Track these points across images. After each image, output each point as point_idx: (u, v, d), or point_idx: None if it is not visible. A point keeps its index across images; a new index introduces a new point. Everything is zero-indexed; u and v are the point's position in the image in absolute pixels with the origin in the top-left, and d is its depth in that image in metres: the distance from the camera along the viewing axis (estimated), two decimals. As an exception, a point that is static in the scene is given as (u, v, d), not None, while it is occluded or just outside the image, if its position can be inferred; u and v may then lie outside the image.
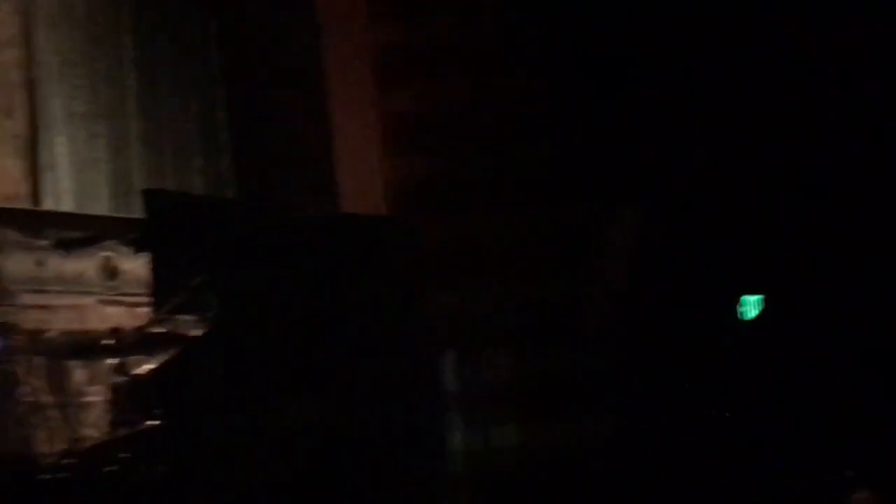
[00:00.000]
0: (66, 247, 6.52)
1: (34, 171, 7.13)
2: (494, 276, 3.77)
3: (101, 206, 7.21)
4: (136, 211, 6.37)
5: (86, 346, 5.70)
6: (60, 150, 7.17)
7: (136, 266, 7.09)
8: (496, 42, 7.29)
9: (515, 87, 7.32)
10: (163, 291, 5.38)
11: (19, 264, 6.71)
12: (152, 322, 4.72)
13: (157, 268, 5.52)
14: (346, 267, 6.25)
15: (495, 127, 7.01)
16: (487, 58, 7.27)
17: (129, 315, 6.86)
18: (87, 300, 6.85)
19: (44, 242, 6.73)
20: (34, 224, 6.78)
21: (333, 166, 7.31)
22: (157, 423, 4.56)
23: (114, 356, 4.64)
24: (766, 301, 6.34)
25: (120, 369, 4.66)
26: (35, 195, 7.12)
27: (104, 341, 4.51)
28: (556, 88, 7.33)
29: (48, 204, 7.07)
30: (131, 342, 4.60)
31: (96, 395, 6.33)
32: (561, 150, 7.20)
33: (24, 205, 7.04)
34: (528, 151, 7.07)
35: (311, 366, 6.00)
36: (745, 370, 4.87)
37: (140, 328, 4.76)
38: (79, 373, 6.48)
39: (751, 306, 6.88)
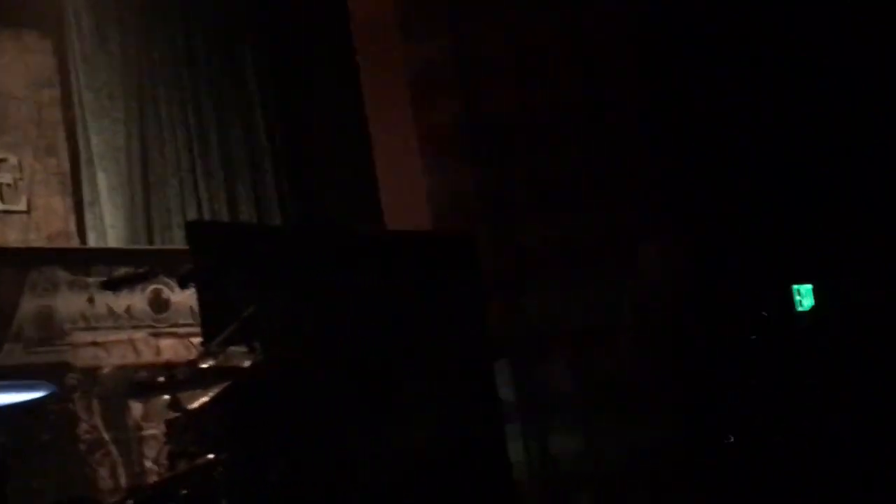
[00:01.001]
0: (116, 284, 6.52)
1: (78, 208, 7.14)
2: (550, 282, 3.70)
3: (145, 240, 7.21)
4: (182, 243, 6.36)
5: (140, 382, 5.68)
6: (102, 185, 7.17)
7: (185, 298, 7.08)
8: (534, 52, 7.21)
9: (556, 96, 7.24)
10: (212, 323, 5.33)
11: (70, 303, 6.72)
12: (204, 355, 4.66)
13: (206, 299, 5.47)
14: (402, 285, 6.19)
15: (534, 138, 6.94)
16: (524, 68, 7.20)
17: (182, 347, 6.84)
18: (139, 335, 6.85)
19: (93, 280, 6.73)
20: (82, 262, 6.79)
21: (376, 184, 7.26)
22: (216, 457, 4.49)
23: (167, 390, 4.57)
24: (819, 291, 6.22)
25: (174, 403, 4.60)
26: (80, 232, 7.13)
27: (158, 376, 4.45)
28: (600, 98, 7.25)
29: (93, 240, 7.07)
30: (183, 376, 4.53)
31: (153, 430, 6.32)
32: (603, 159, 7.12)
33: (71, 242, 7.06)
34: (568, 162, 6.99)
35: (376, 392, 5.94)
36: (806, 363, 4.74)
37: (192, 361, 4.70)
38: (135, 408, 6.48)
39: (804, 296, 6.76)
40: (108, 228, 7.12)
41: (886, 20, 7.09)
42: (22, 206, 7.11)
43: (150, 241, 7.22)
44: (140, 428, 6.53)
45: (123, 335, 6.83)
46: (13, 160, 7.10)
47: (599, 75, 7.17)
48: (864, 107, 7.05)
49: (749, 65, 7.15)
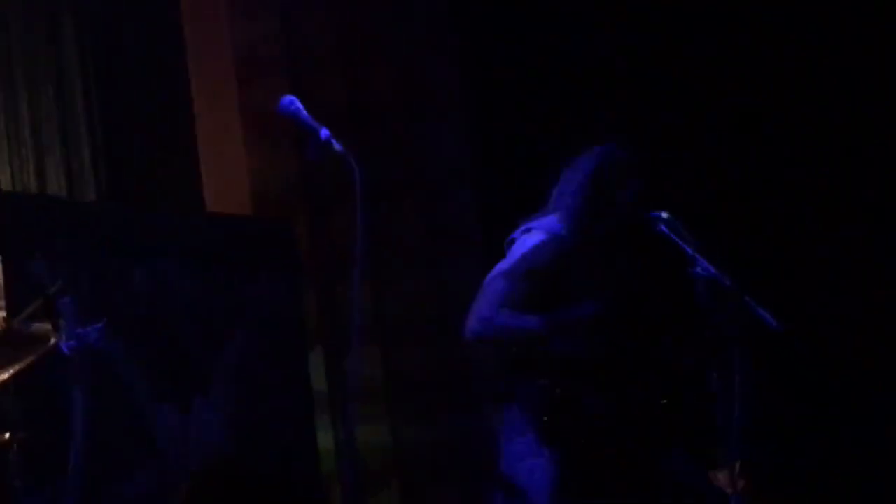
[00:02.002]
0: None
1: None
2: (367, 273, 3.68)
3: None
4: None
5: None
6: None
7: (-10, 271, 6.80)
8: (360, 35, 7.15)
9: (381, 80, 7.20)
10: (16, 298, 5.13)
11: None
12: (6, 331, 4.48)
13: (10, 273, 5.27)
14: (216, 268, 6.07)
15: (359, 122, 6.87)
16: (350, 51, 7.13)
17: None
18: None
19: None
20: None
21: (197, 163, 7.09)
22: (11, 436, 4.33)
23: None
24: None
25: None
26: None
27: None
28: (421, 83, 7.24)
29: None
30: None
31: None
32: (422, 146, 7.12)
33: None
34: (389, 149, 6.95)
35: (184, 376, 5.82)
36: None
37: (-6, 336, 4.51)
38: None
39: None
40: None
41: None
42: None
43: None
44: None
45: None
46: None
47: (420, 61, 7.17)
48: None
49: (573, 52, 7.22)
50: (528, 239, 4.35)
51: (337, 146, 3.68)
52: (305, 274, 6.50)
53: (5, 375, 4.41)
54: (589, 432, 4.19)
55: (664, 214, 4.63)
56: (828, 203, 7.49)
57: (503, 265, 4.29)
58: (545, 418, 4.18)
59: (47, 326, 4.37)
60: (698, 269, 4.56)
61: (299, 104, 3.78)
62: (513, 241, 4.38)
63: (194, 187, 7.07)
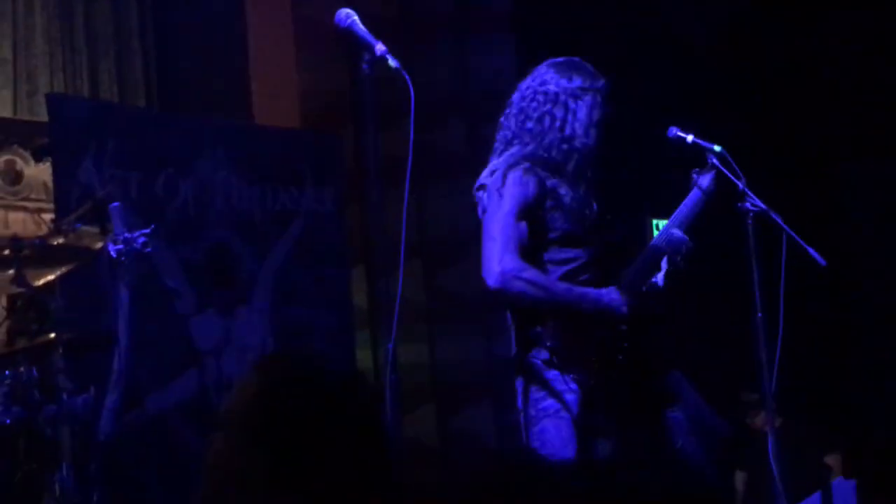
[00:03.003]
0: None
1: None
2: (411, 193, 3.62)
3: (4, 109, 6.90)
4: (43, 114, 6.08)
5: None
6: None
7: (39, 172, 6.79)
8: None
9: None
10: (66, 200, 5.12)
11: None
12: (54, 232, 4.44)
13: (61, 175, 5.25)
14: (263, 180, 6.05)
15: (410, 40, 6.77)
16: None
17: (32, 223, 6.57)
18: (-11, 205, 6.57)
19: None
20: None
21: (248, 77, 7.03)
22: (56, 336, 4.32)
23: (12, 265, 4.35)
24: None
25: (18, 279, 4.38)
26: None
27: (3, 249, 4.22)
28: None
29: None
30: (30, 251, 4.31)
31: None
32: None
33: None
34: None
35: (232, 280, 5.83)
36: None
37: (41, 237, 4.47)
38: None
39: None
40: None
41: None
42: None
43: (14, 112, 6.90)
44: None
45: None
46: None
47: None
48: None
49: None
50: (506, 178, 4.06)
51: (393, 61, 3.59)
52: (351, 189, 6.46)
53: (51, 276, 4.39)
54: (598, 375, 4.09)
55: (717, 147, 4.54)
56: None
57: (495, 207, 4.07)
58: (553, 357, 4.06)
59: (95, 229, 4.34)
60: (748, 204, 4.48)
61: (355, 17, 3.69)
62: (483, 187, 4.16)
63: (244, 100, 7.02)
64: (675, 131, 4.62)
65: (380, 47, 3.61)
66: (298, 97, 6.92)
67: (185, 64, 7.31)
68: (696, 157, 4.61)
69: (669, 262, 4.21)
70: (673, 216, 4.34)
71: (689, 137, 4.58)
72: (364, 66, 3.64)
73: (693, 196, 4.39)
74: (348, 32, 3.69)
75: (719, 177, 4.43)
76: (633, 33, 7.08)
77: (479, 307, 6.67)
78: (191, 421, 5.57)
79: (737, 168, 4.50)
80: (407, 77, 3.58)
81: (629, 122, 4.43)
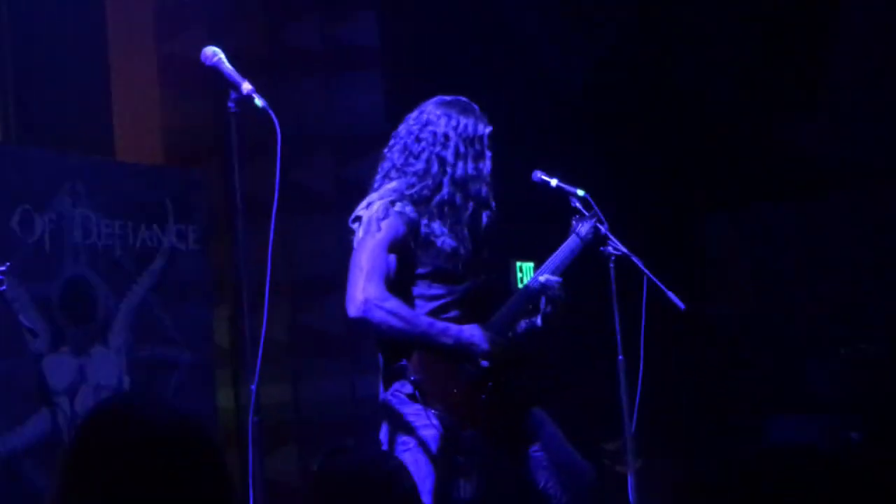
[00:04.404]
0: None
1: None
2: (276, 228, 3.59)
3: None
4: None
5: None
6: None
7: None
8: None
9: (295, 36, 7.07)
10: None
11: None
12: None
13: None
14: (123, 214, 5.94)
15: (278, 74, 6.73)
16: (273, 4, 6.99)
17: None
18: None
19: None
20: None
21: (110, 112, 6.90)
22: None
23: None
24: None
25: None
26: None
27: None
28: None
29: None
30: None
31: None
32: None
33: None
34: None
35: (89, 318, 5.69)
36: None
37: None
38: None
39: (526, 274, 6.85)
40: None
41: None
42: None
43: None
44: None
45: None
46: None
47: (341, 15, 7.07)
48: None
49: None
50: (380, 210, 4.09)
51: (260, 100, 3.57)
52: (215, 227, 6.37)
53: None
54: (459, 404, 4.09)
55: (580, 192, 4.60)
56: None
57: (366, 237, 4.06)
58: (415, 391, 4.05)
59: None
60: (610, 248, 4.54)
61: (221, 56, 3.66)
62: (359, 219, 4.15)
63: (106, 135, 6.88)
64: (540, 175, 4.67)
65: (246, 86, 3.60)
66: (162, 133, 6.82)
67: (43, 97, 7.14)
68: (560, 200, 4.66)
69: (546, 302, 4.25)
70: (549, 260, 4.39)
71: (554, 181, 4.63)
72: (230, 104, 3.63)
73: (570, 243, 4.45)
74: (214, 71, 3.66)
75: (596, 227, 4.49)
76: (501, 72, 7.14)
77: (343, 346, 6.64)
78: (42, 463, 5.42)
79: (599, 212, 4.56)
80: (273, 117, 3.57)
81: (494, 164, 4.46)
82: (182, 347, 6.08)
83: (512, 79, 7.32)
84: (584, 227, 4.50)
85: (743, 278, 7.94)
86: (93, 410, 2.07)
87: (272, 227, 3.61)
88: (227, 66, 3.63)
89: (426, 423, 3.99)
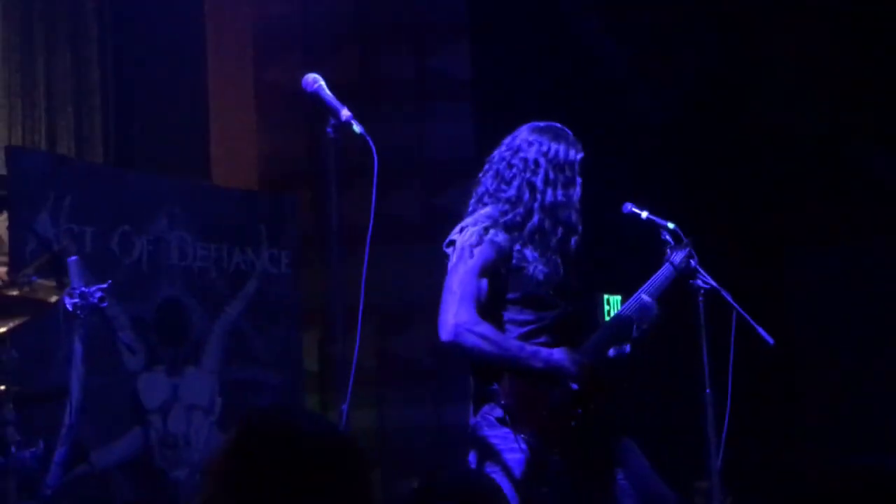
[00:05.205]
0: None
1: None
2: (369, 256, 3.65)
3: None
4: (1, 167, 6.05)
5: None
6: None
7: (-4, 224, 6.74)
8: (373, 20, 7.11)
9: (388, 69, 7.15)
10: (22, 252, 5.08)
11: None
12: (9, 284, 4.41)
13: (17, 227, 5.21)
14: (217, 238, 6.03)
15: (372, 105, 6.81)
16: (368, 35, 7.08)
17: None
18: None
19: None
20: None
21: (208, 137, 7.04)
22: (6, 389, 4.26)
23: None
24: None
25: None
26: None
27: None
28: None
29: None
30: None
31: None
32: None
33: None
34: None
35: (183, 339, 5.79)
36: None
37: (-5, 289, 4.44)
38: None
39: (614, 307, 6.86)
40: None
41: None
42: None
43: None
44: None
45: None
46: None
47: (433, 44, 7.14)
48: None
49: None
50: (473, 237, 4.11)
51: (358, 127, 3.63)
52: (308, 253, 6.45)
53: (3, 329, 4.34)
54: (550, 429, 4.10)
55: (670, 224, 4.61)
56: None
57: (459, 263, 4.08)
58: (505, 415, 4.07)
59: (51, 283, 4.31)
60: (699, 281, 4.54)
61: (322, 83, 3.73)
62: (452, 243, 4.18)
63: (203, 160, 7.02)
64: (630, 207, 4.69)
65: (345, 113, 3.66)
66: (257, 159, 6.93)
67: (144, 122, 7.31)
68: (649, 234, 4.67)
69: (638, 330, 4.25)
70: (644, 286, 4.39)
71: (644, 214, 4.65)
72: (329, 129, 3.68)
73: (664, 270, 4.46)
74: (315, 97, 3.73)
75: (690, 256, 4.49)
76: (589, 106, 7.17)
77: (429, 373, 6.67)
78: (132, 479, 5.51)
79: (690, 245, 4.56)
80: (371, 142, 3.62)
81: (582, 197, 4.48)
82: (271, 369, 6.15)
83: (600, 112, 7.34)
84: (678, 256, 4.50)
85: (830, 314, 7.86)
86: (247, 417, 2.07)
87: (367, 252, 3.66)
88: (327, 92, 3.70)
89: (513, 446, 4.01)
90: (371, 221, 3.66)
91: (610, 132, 7.38)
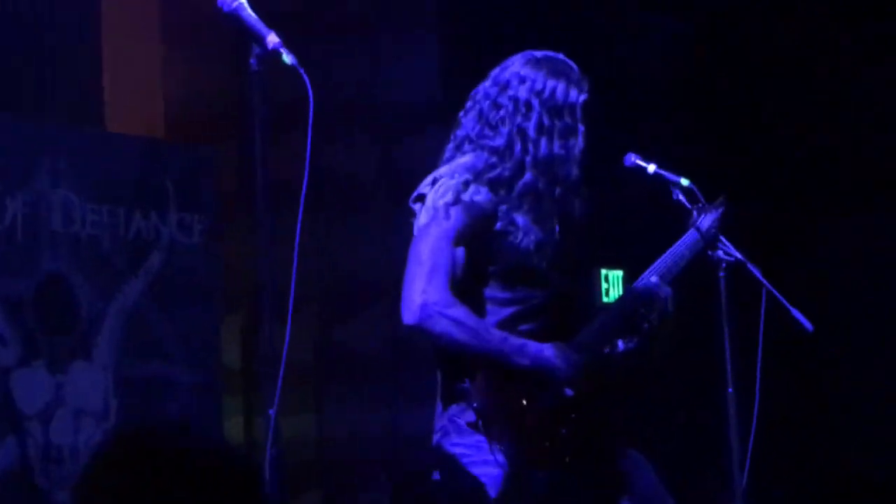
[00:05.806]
0: None
1: None
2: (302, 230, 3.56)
3: None
4: None
5: None
6: None
7: None
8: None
9: None
10: None
11: None
12: None
13: None
14: (114, 199, 6.01)
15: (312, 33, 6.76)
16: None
17: None
18: None
19: None
20: None
21: (100, 72, 6.96)
22: None
23: None
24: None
25: None
26: None
27: None
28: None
29: None
30: None
31: None
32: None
33: None
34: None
35: (69, 325, 5.77)
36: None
37: None
38: None
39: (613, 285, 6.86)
40: None
41: None
42: None
43: None
44: None
45: None
46: None
47: None
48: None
49: None
50: (449, 194, 4.02)
51: (289, 56, 3.57)
52: (227, 217, 6.41)
53: None
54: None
55: (684, 181, 4.56)
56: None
57: (430, 225, 3.98)
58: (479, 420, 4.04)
59: None
60: (720, 252, 4.49)
61: (243, 1, 3.66)
62: (422, 198, 4.08)
63: (94, 103, 6.95)
64: (634, 159, 4.63)
65: (272, 39, 3.60)
66: (163, 100, 6.87)
67: (18, 54, 7.22)
68: (656, 195, 4.63)
69: (644, 320, 4.20)
70: (659, 261, 4.32)
71: (651, 167, 4.59)
72: (252, 61, 3.61)
73: (687, 239, 4.39)
74: (234, 19, 3.66)
75: (721, 220, 4.43)
76: (586, 38, 7.11)
77: (383, 369, 6.65)
78: (6, 501, 5.49)
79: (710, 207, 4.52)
80: (305, 77, 3.57)
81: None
82: (181, 364, 6.14)
83: (599, 46, 7.27)
84: (706, 220, 4.44)
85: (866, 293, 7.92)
86: (115, 434, 2.11)
87: (299, 217, 3.60)
88: (249, 12, 3.63)
89: (488, 458, 3.97)
90: (305, 178, 3.59)
91: (609, 77, 7.35)
